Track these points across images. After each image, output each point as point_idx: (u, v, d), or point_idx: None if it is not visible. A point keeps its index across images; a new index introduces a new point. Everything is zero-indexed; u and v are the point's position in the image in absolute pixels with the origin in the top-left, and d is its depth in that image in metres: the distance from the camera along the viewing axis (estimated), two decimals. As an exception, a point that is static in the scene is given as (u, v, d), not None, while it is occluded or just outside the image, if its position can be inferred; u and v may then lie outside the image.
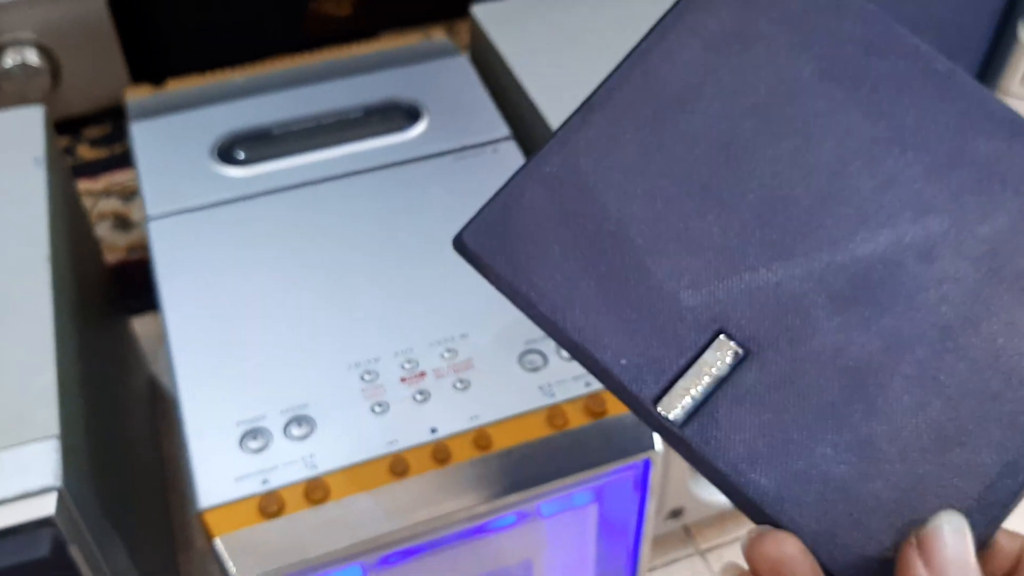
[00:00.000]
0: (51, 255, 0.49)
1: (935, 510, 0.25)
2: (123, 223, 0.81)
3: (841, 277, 0.27)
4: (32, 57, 0.80)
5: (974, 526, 0.24)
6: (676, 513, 0.60)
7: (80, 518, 0.43)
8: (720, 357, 0.26)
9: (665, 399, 0.26)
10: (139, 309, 0.76)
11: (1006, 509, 0.25)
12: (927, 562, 0.24)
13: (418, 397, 0.45)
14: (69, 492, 0.42)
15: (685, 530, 0.65)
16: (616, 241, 0.28)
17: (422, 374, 0.46)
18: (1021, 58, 0.80)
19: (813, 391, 0.26)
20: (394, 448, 0.43)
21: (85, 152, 0.86)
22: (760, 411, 0.26)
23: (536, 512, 0.46)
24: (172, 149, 0.56)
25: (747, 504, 0.26)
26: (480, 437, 0.44)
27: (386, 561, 0.44)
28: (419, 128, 0.57)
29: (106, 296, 0.66)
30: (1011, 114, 0.28)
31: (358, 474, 0.43)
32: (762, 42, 0.29)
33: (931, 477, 0.25)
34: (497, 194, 0.29)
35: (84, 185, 0.83)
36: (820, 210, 0.27)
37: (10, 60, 0.79)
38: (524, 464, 0.44)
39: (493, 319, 0.48)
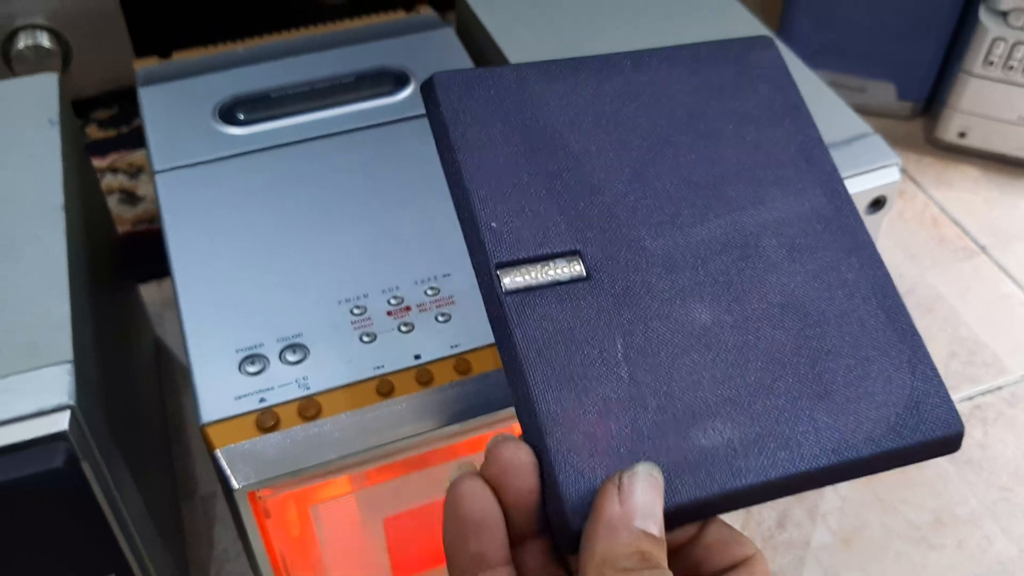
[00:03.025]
0: (65, 204, 0.53)
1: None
2: (130, 197, 0.85)
3: (688, 256, 0.32)
4: (44, 40, 0.84)
5: (677, 491, 0.28)
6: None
7: (91, 437, 0.47)
8: (566, 267, 0.31)
9: (507, 269, 0.30)
10: (146, 277, 0.80)
11: (710, 494, 0.28)
12: (623, 501, 0.27)
13: (403, 328, 0.49)
14: (81, 412, 0.46)
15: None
16: (551, 148, 0.33)
17: (407, 308, 0.50)
18: (983, 41, 0.84)
19: (617, 332, 0.30)
20: (380, 372, 0.47)
21: (94, 132, 0.91)
22: (571, 320, 0.30)
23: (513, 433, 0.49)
24: (177, 111, 0.60)
25: (521, 386, 0.29)
26: (460, 363, 0.48)
27: (372, 479, 0.48)
28: (406, 92, 0.61)
29: (115, 256, 0.70)
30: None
31: (347, 394, 0.47)
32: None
33: (677, 448, 0.29)
34: (485, 67, 0.34)
35: (93, 162, 0.87)
36: (683, 198, 0.33)
37: (23, 43, 0.84)
38: (501, 387, 0.48)
39: (474, 261, 0.52)
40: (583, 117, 0.33)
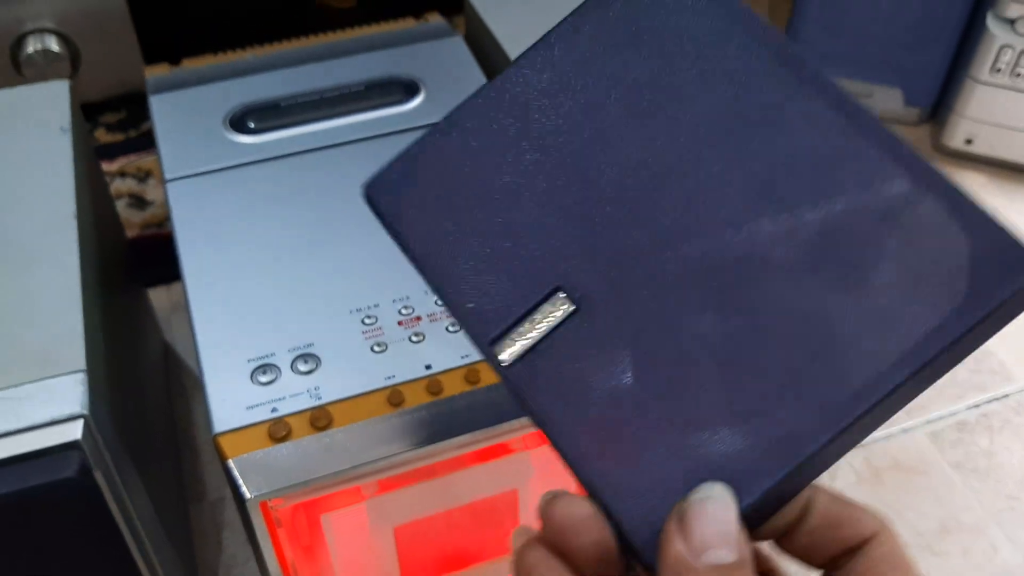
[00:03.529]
0: (77, 213, 0.54)
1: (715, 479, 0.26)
2: (139, 201, 0.85)
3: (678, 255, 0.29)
4: (52, 44, 0.85)
5: (748, 489, 0.25)
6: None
7: (103, 446, 0.47)
8: (553, 310, 0.29)
9: (500, 342, 0.29)
10: (154, 281, 0.80)
11: (784, 483, 0.26)
12: (686, 537, 0.24)
13: (414, 338, 0.49)
14: (94, 420, 0.46)
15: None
16: (485, 204, 0.32)
17: (418, 318, 0.50)
18: (991, 48, 0.84)
19: (625, 355, 0.28)
20: (391, 382, 0.47)
21: (102, 136, 0.91)
22: (579, 364, 0.28)
23: (522, 444, 0.49)
24: (188, 119, 0.60)
25: (557, 448, 0.28)
26: (470, 373, 0.48)
27: (382, 489, 0.48)
28: (416, 101, 0.61)
29: (125, 261, 0.70)
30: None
31: (359, 404, 0.47)
32: (644, 43, 0.32)
33: (733, 443, 0.26)
34: (400, 154, 0.33)
35: (102, 166, 0.87)
36: (667, 197, 0.30)
37: (31, 47, 0.84)
38: (510, 397, 0.48)
39: (484, 271, 0.52)
40: (525, 153, 0.32)
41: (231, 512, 0.68)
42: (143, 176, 0.87)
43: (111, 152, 0.89)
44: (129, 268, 0.72)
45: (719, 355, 0.27)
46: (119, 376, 0.56)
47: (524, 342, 0.29)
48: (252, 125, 0.59)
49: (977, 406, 0.74)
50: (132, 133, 0.90)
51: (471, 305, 0.30)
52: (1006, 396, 0.75)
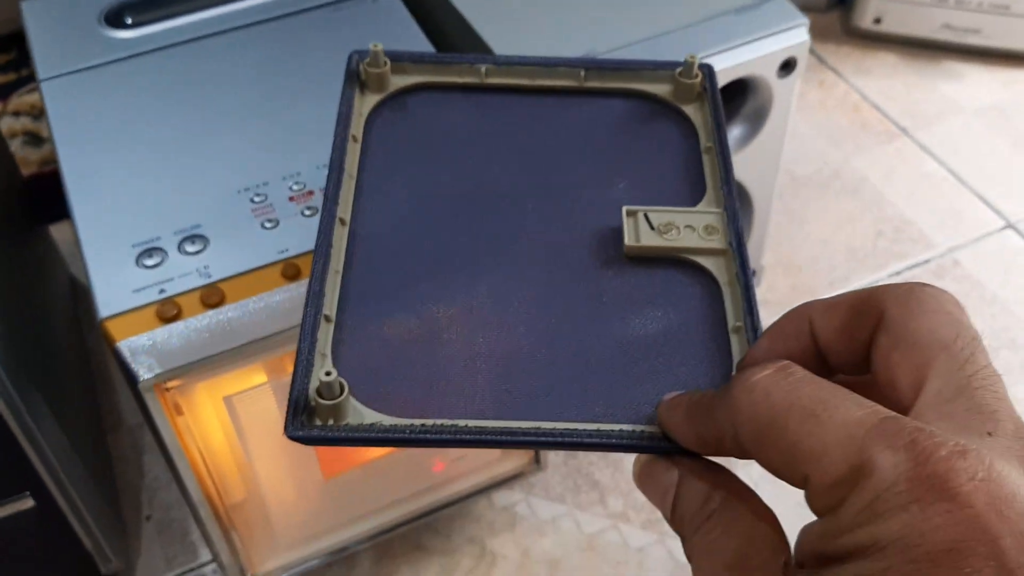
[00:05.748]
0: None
1: None
2: (35, 139, 0.82)
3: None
4: (-71, -18, 0.81)
5: None
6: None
7: (4, 378, 0.45)
8: None
9: None
10: (57, 217, 0.77)
11: None
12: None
13: (307, 212, 0.47)
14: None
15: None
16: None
17: (310, 193, 0.48)
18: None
19: None
20: (285, 255, 0.46)
21: (-8, 78, 0.87)
22: None
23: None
24: (62, 20, 0.57)
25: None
26: (367, 241, 0.46)
27: (289, 368, 0.47)
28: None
29: (21, 200, 0.67)
30: None
31: (251, 280, 0.45)
32: None
33: None
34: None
35: (-7, 107, 0.84)
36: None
37: (-92, -13, 0.80)
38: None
39: (378, 146, 0.50)
40: None
41: (151, 437, 0.66)
42: (37, 114, 0.83)
43: (3, 92, 0.85)
44: (27, 206, 0.70)
45: None
46: (18, 312, 0.53)
47: None
48: (129, 20, 0.57)
49: (899, 273, 0.74)
50: (24, 72, 0.87)
51: None
52: (927, 261, 0.75)
